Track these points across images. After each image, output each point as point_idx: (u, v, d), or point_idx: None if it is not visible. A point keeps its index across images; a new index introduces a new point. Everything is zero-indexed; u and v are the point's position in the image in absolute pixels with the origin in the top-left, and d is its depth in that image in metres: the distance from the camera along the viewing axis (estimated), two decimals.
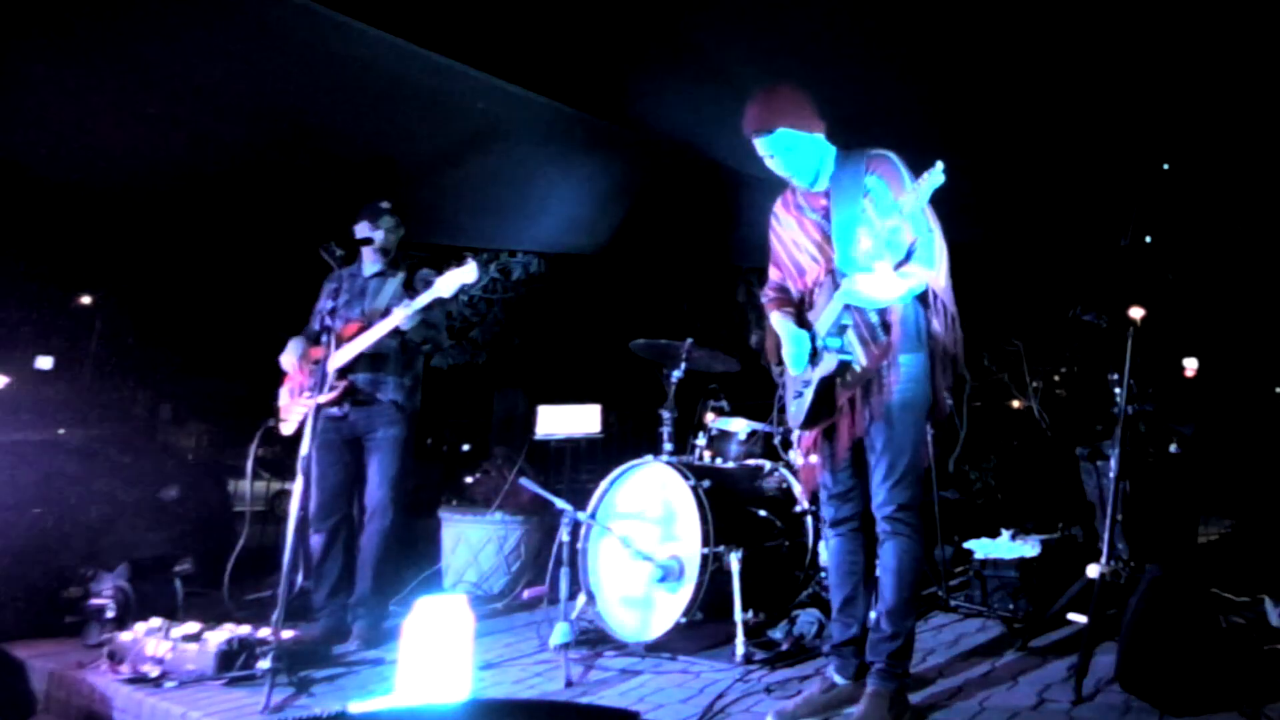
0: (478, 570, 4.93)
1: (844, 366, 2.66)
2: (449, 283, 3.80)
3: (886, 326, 2.67)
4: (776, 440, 4.42)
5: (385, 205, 4.17)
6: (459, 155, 5.31)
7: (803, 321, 2.84)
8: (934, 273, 2.66)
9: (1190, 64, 4.24)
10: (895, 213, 2.49)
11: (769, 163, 2.81)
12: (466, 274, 3.82)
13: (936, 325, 2.71)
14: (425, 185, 5.54)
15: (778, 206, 2.98)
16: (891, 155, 2.73)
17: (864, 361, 2.66)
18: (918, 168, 2.52)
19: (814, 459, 2.89)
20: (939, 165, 2.42)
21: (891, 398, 2.65)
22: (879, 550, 2.74)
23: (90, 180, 5.20)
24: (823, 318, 2.72)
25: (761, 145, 2.77)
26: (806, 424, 2.82)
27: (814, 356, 2.74)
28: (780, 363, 2.96)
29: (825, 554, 3.93)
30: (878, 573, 2.77)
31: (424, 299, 3.81)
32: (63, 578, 4.19)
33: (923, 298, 2.73)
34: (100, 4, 3.82)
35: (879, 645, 2.69)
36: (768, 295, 3.02)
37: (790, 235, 2.91)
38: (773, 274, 3.02)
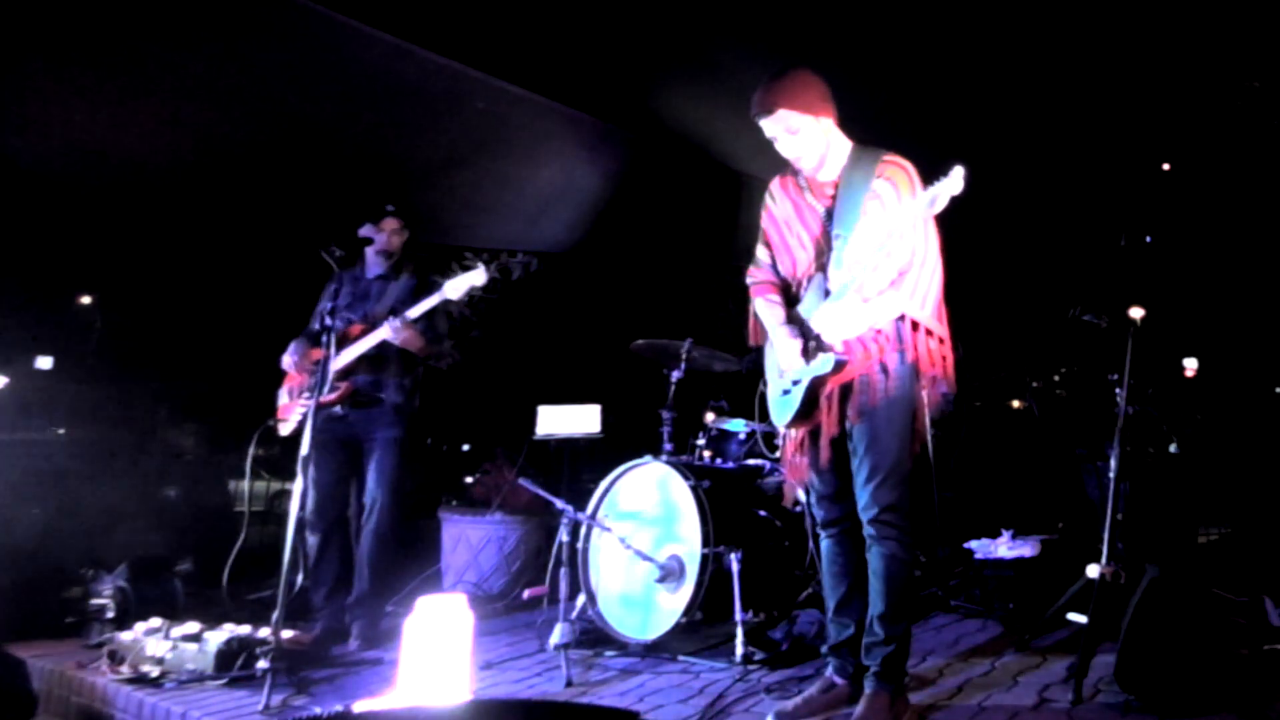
0: (478, 570, 4.92)
1: (839, 366, 2.63)
2: (456, 286, 3.81)
3: (876, 330, 2.66)
4: (776, 440, 4.42)
5: (389, 208, 4.16)
6: (459, 155, 5.31)
7: (790, 315, 2.79)
8: (914, 303, 2.63)
9: (1190, 64, 4.25)
10: (898, 220, 2.46)
11: (776, 145, 2.77)
12: (475, 277, 3.83)
13: (920, 347, 2.68)
14: (426, 185, 5.54)
15: (775, 184, 2.91)
16: (907, 164, 2.68)
17: (850, 362, 2.65)
18: (921, 169, 2.48)
19: (800, 458, 2.85)
20: (958, 171, 2.32)
21: (874, 397, 2.64)
22: (867, 555, 2.70)
23: (90, 179, 5.21)
24: (814, 316, 2.71)
25: (765, 127, 2.74)
26: (793, 423, 2.78)
27: (806, 353, 2.69)
28: (760, 345, 2.93)
29: None
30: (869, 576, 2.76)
31: (430, 302, 3.82)
32: (63, 578, 4.19)
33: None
34: (102, 3, 3.83)
35: (874, 649, 2.67)
36: (755, 277, 2.93)
37: (784, 215, 2.85)
38: (761, 253, 2.93)
